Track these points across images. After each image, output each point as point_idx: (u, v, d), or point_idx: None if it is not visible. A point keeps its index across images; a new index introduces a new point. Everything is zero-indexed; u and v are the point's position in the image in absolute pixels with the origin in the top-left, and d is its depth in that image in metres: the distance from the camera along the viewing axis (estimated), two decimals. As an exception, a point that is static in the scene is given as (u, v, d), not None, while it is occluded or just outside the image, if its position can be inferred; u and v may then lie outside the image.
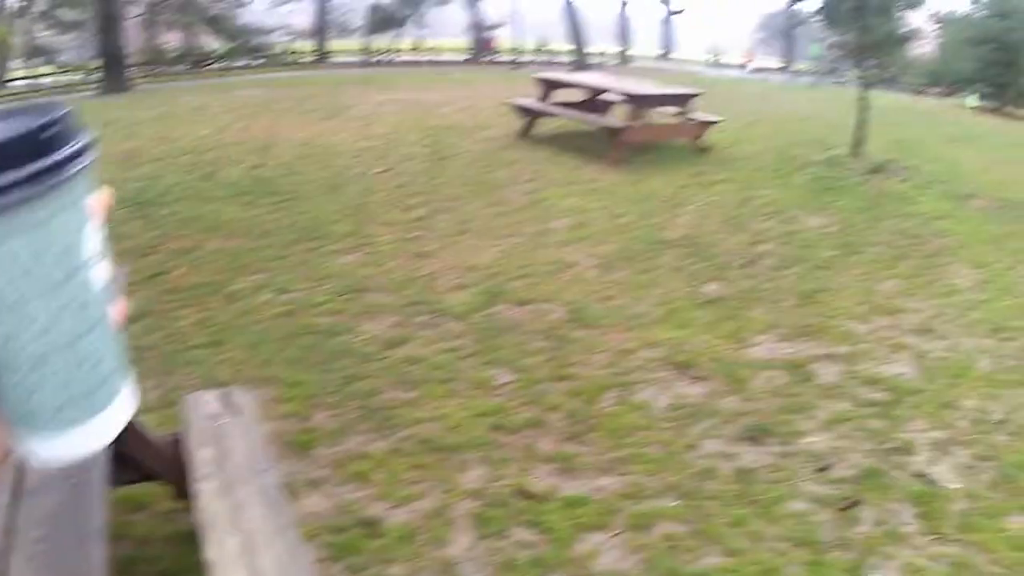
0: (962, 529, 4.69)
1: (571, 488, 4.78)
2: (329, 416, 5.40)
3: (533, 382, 5.97)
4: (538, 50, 53.95)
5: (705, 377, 6.18)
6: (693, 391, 5.96)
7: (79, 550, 2.20)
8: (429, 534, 4.36)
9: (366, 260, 8.49)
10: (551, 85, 16.30)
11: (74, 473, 2.40)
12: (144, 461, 3.84)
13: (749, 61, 56.08)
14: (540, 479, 4.84)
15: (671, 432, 5.39)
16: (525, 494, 4.67)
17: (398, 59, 52.77)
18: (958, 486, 5.11)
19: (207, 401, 4.01)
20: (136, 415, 2.88)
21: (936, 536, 4.62)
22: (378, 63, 50.75)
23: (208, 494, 3.26)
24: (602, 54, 52.08)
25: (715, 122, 15.42)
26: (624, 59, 57.58)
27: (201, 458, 3.52)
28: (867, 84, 15.60)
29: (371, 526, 4.35)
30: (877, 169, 13.87)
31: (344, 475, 4.75)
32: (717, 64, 59.01)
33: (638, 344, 6.64)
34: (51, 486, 2.38)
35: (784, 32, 68.49)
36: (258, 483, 3.34)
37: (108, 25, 34.77)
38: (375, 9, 61.11)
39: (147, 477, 3.99)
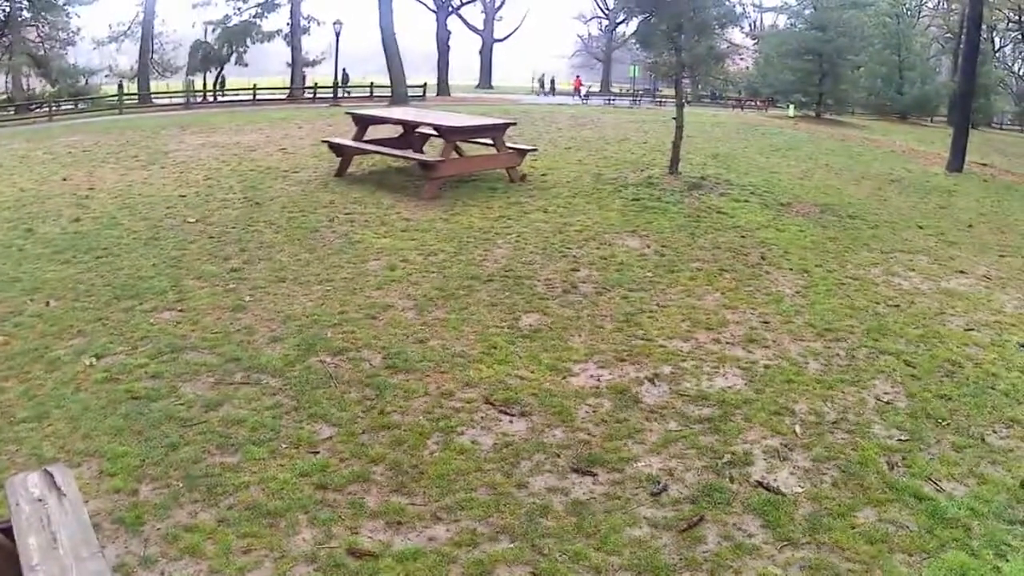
0: (811, 531, 4.80)
1: (403, 542, 4.68)
2: (155, 488, 5.20)
3: (354, 434, 5.85)
4: (355, 84, 53.86)
5: (528, 412, 6.14)
6: (517, 428, 5.92)
7: None
8: (268, 606, 4.20)
9: (182, 317, 8.24)
10: (365, 121, 16.24)
11: None
12: None
13: (580, 87, 57.06)
14: (371, 536, 4.74)
15: (499, 472, 5.33)
16: (358, 553, 4.56)
17: (219, 99, 52.05)
18: (801, 490, 5.24)
19: (30, 484, 3.81)
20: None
21: (786, 542, 4.71)
22: (200, 103, 49.96)
23: None
24: (422, 86, 52.32)
25: (530, 150, 15.59)
26: (444, 91, 57.98)
27: (30, 547, 3.34)
28: (682, 103, 15.99)
29: (209, 603, 4.14)
30: (695, 186, 14.24)
31: (176, 550, 4.57)
32: (552, 91, 59.89)
33: (457, 385, 6.58)
34: None
35: (602, 56, 70.33)
36: (87, 571, 3.17)
37: None
38: (197, 47, 60.46)
39: None
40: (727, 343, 7.59)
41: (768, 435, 5.89)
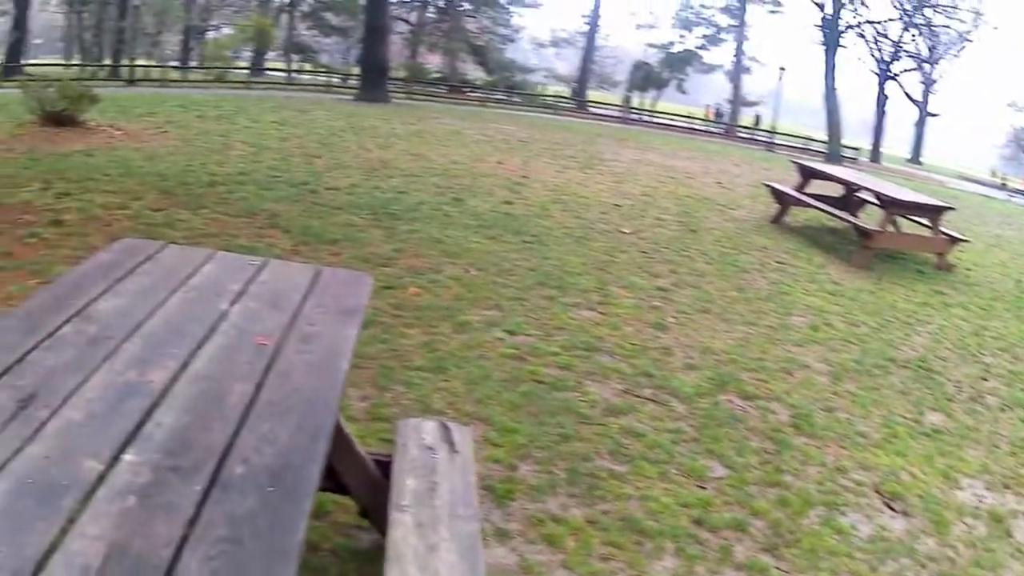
0: None
1: (756, 602, 4.49)
2: (535, 470, 5.25)
3: (745, 482, 5.68)
4: (789, 133, 52.18)
5: (910, 513, 5.79)
6: (896, 525, 5.60)
7: (263, 565, 1.82)
8: (606, 617, 4.18)
9: (603, 320, 8.38)
10: (810, 174, 16.00)
11: (287, 475, 2.12)
12: (343, 473, 3.69)
13: None
14: (728, 585, 4.57)
15: (865, 564, 5.05)
16: (708, 597, 4.41)
17: (653, 119, 52.56)
18: None
19: (425, 430, 3.88)
20: (346, 426, 2.85)
21: None
22: (634, 120, 50.66)
23: (404, 526, 3.07)
24: (856, 149, 50.15)
25: (963, 240, 14.73)
26: (875, 157, 55.33)
27: (406, 487, 3.36)
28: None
29: (552, 594, 4.15)
30: (1120, 319, 12.95)
31: (536, 535, 4.56)
32: (1005, 188, 54.64)
33: (853, 464, 6.28)
34: (254, 484, 2.07)
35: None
36: (458, 529, 3.10)
37: (374, 36, 36.29)
38: (639, 67, 61.37)
39: (338, 489, 3.79)
40: (1113, 505, 6.86)
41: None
